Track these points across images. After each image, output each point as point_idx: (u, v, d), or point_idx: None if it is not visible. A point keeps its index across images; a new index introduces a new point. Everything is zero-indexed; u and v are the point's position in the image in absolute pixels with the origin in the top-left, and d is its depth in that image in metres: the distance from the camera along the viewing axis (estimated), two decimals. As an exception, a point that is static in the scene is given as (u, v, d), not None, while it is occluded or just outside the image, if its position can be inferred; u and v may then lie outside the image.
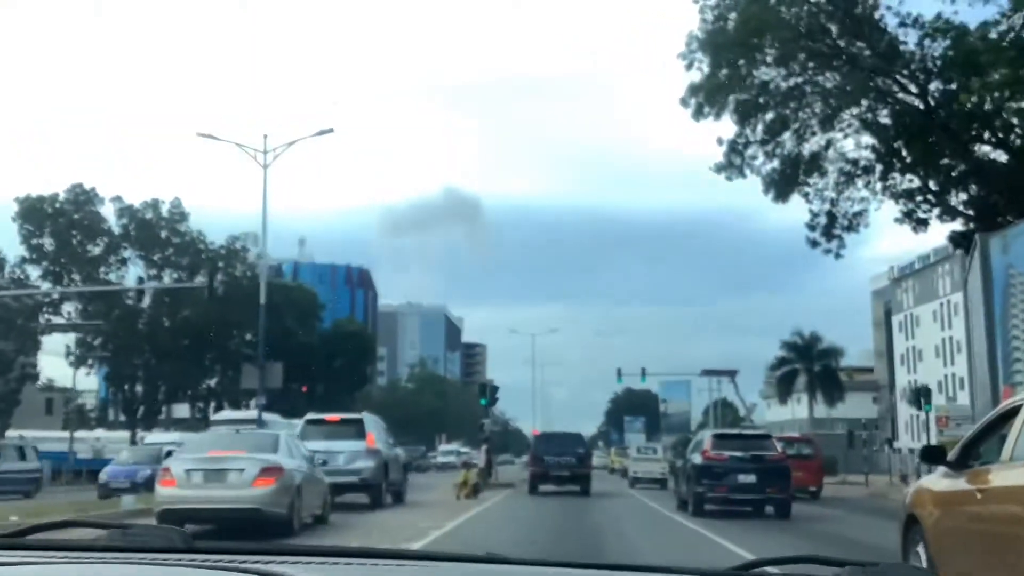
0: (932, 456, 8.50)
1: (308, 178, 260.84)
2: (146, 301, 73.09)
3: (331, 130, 36.34)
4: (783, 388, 74.15)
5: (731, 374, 68.62)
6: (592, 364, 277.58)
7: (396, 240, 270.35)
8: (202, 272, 72.56)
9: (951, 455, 8.05)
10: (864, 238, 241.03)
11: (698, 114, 31.35)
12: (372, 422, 25.82)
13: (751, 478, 21.97)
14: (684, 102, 31.24)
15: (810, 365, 72.46)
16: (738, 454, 22.59)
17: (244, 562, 1.74)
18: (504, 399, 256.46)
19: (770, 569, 1.92)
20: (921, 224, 34.82)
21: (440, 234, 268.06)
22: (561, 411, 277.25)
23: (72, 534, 2.26)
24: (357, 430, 24.44)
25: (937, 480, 8.32)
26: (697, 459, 23.15)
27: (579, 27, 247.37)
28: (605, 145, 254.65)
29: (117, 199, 70.17)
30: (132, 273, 72.14)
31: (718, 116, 31.50)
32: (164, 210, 71.60)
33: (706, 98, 30.93)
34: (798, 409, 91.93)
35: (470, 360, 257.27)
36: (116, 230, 70.35)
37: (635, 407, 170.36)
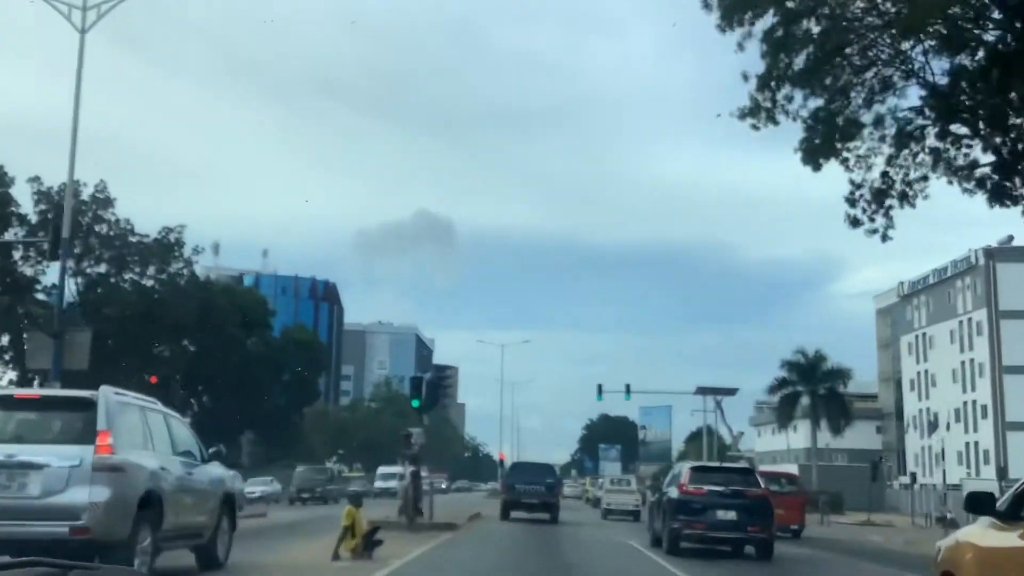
0: (978, 504, 7.10)
1: (277, 192, 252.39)
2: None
3: None
4: (783, 412, 65.76)
5: (730, 392, 60.39)
6: (565, 392, 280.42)
7: (367, 259, 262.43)
8: (133, 264, 63.99)
9: (1001, 503, 6.89)
10: (850, 267, 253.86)
11: (727, 20, 22.88)
12: (122, 407, 11.63)
13: (731, 515, 20.57)
14: (707, 4, 22.89)
15: (814, 387, 64.23)
16: (718, 488, 21.04)
17: None
18: (475, 425, 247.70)
19: None
20: (1005, 197, 25.95)
21: (413, 257, 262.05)
22: (533, 438, 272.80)
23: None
24: (75, 423, 11.13)
25: (983, 533, 7.05)
26: (673, 493, 21.50)
27: (556, 57, 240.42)
28: (581, 174, 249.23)
29: (35, 179, 61.28)
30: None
31: (752, 23, 22.98)
32: (86, 194, 62.69)
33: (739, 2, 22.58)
34: (793, 438, 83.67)
35: (441, 383, 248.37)
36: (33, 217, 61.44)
37: (611, 434, 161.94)
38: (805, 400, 65.04)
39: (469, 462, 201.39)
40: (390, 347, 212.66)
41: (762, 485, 22.23)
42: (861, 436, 71.39)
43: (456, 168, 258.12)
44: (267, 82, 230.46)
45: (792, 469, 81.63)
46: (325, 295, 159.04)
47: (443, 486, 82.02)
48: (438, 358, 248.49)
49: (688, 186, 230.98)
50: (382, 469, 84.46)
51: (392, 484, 73.58)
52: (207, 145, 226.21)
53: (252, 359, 74.40)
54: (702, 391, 59.54)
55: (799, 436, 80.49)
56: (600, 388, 58.26)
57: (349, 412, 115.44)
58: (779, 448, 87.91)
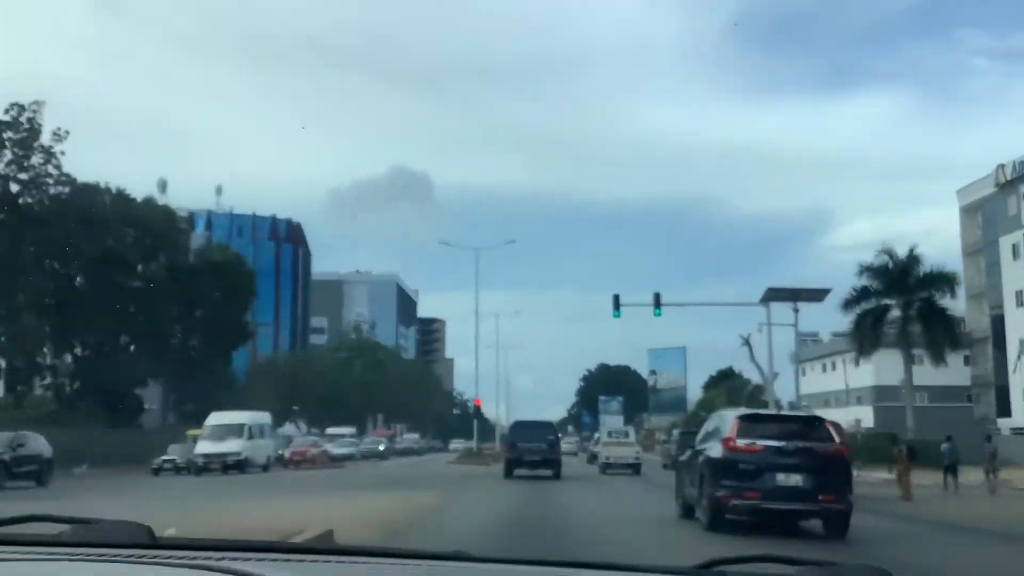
0: None
1: (242, 134, 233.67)
2: None
3: None
4: (865, 334, 47.68)
5: (818, 297, 42.29)
6: (557, 350, 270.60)
7: (343, 217, 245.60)
8: None
9: None
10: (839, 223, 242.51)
11: None
12: None
13: (795, 479, 15.47)
14: None
15: (907, 299, 46.30)
16: (778, 444, 15.72)
17: (208, 558, 1.72)
18: (465, 383, 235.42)
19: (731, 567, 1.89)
20: None
21: (394, 216, 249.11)
22: (527, 397, 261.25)
23: (37, 529, 2.13)
24: None
25: None
26: (715, 450, 16.18)
27: (541, 10, 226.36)
28: (568, 130, 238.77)
29: None
30: None
31: None
32: None
33: None
34: (853, 375, 65.81)
35: (427, 337, 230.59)
36: None
37: (611, 386, 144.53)
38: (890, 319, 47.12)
39: (457, 419, 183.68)
40: (369, 298, 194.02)
41: (836, 438, 16.41)
42: (944, 370, 52.86)
43: (440, 125, 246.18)
44: (244, 37, 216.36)
45: (861, 413, 64.32)
46: (288, 235, 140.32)
47: (380, 447, 65.26)
48: (424, 312, 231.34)
49: (677, 141, 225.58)
50: (332, 430, 66.77)
51: (348, 450, 56.15)
52: (172, 97, 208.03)
53: (153, 290, 56.15)
54: (773, 296, 41.37)
55: (861, 372, 62.87)
56: (617, 300, 40.13)
57: (303, 362, 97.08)
58: (833, 388, 70.61)
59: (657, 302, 39.76)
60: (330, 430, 65.39)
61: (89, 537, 1.93)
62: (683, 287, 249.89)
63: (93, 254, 51.88)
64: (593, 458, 51.21)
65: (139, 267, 57.22)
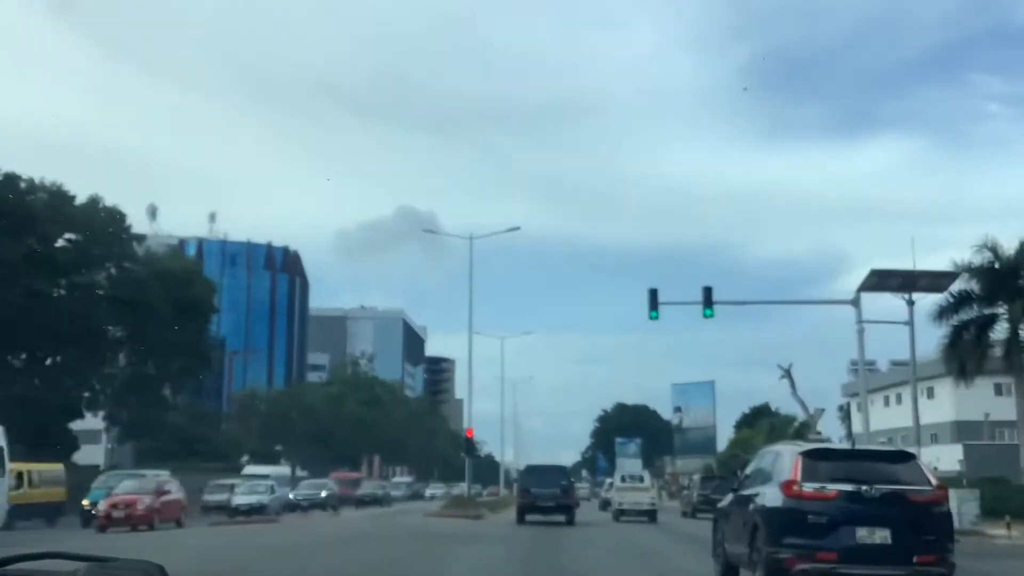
0: None
1: (247, 174, 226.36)
2: None
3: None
4: (965, 350, 37.20)
5: (944, 283, 32.06)
6: (570, 393, 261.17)
7: (348, 258, 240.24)
8: None
9: None
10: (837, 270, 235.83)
11: None
12: None
13: (883, 535, 11.71)
14: None
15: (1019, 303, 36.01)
16: (857, 489, 11.85)
17: None
18: (478, 425, 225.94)
19: None
20: None
21: (404, 259, 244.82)
22: (538, 440, 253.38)
23: (52, 566, 2.15)
24: None
25: None
26: (773, 497, 12.39)
27: (556, 54, 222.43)
28: (582, 173, 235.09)
29: None
30: None
31: None
32: None
33: None
34: (900, 412, 55.36)
35: (436, 376, 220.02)
36: None
37: (629, 427, 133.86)
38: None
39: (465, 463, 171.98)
40: (374, 334, 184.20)
41: (932, 480, 12.40)
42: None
43: (450, 168, 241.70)
44: (255, 80, 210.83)
45: (940, 453, 53.91)
46: (285, 265, 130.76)
47: (323, 494, 50.17)
48: (432, 352, 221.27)
49: (690, 185, 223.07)
50: (250, 469, 54.40)
51: (254, 499, 43.85)
52: (179, 138, 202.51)
53: (90, 302, 46.37)
54: (879, 282, 31.07)
55: (936, 406, 52.58)
56: (654, 297, 30.38)
57: (289, 396, 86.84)
58: (899, 425, 59.96)
59: (708, 300, 29.88)
60: (249, 469, 52.77)
61: (101, 575, 1.93)
62: (695, 330, 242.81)
63: (9, 256, 42.30)
64: (606, 504, 48.48)
65: (73, 276, 47.53)
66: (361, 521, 35.13)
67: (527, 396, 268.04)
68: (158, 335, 49.95)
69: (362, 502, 55.53)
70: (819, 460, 12.41)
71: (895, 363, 67.95)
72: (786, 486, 12.11)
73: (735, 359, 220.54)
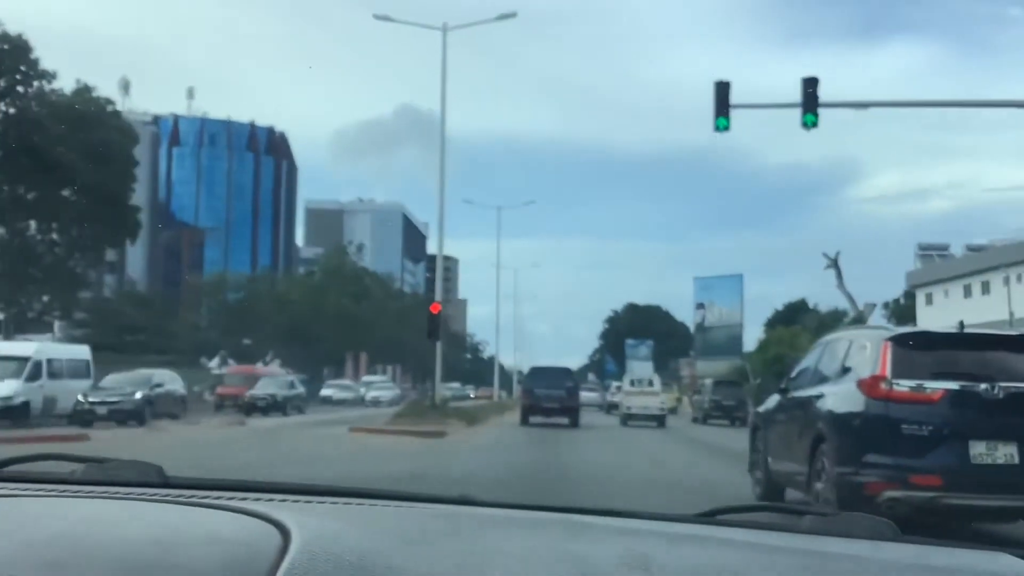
0: None
1: (241, 66, 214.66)
2: None
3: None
4: None
5: None
6: (576, 298, 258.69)
7: (347, 157, 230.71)
8: None
9: None
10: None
11: None
12: None
13: (1008, 451, 8.48)
14: None
15: None
16: (971, 387, 8.61)
17: (219, 498, 1.74)
18: (480, 330, 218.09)
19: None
20: None
21: (409, 158, 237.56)
22: (545, 345, 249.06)
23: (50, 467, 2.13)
24: None
25: None
26: (849, 399, 9.13)
27: None
28: (595, 77, 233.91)
29: None
30: None
31: None
32: None
33: None
34: (986, 303, 44.77)
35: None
36: None
37: (639, 328, 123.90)
38: None
39: (469, 364, 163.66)
40: (372, 228, 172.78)
41: None
42: None
43: (457, 67, 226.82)
44: None
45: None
46: (269, 147, 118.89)
47: (137, 395, 30.39)
48: (435, 248, 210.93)
49: (702, 89, 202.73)
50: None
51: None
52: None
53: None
54: None
55: (984, 302, 41.88)
56: (724, 94, 18.85)
57: (259, 284, 76.01)
58: (987, 319, 49.12)
59: (810, 101, 18.71)
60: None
61: (100, 476, 1.93)
62: (705, 238, 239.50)
63: None
64: (612, 408, 48.15)
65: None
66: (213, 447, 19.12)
67: (532, 300, 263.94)
68: (57, 194, 38.95)
69: (253, 407, 37.52)
70: (915, 349, 9.04)
71: (972, 248, 56.85)
72: (868, 384, 8.83)
73: (755, 266, 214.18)
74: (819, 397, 9.78)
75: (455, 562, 1.39)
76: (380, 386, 64.15)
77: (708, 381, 47.67)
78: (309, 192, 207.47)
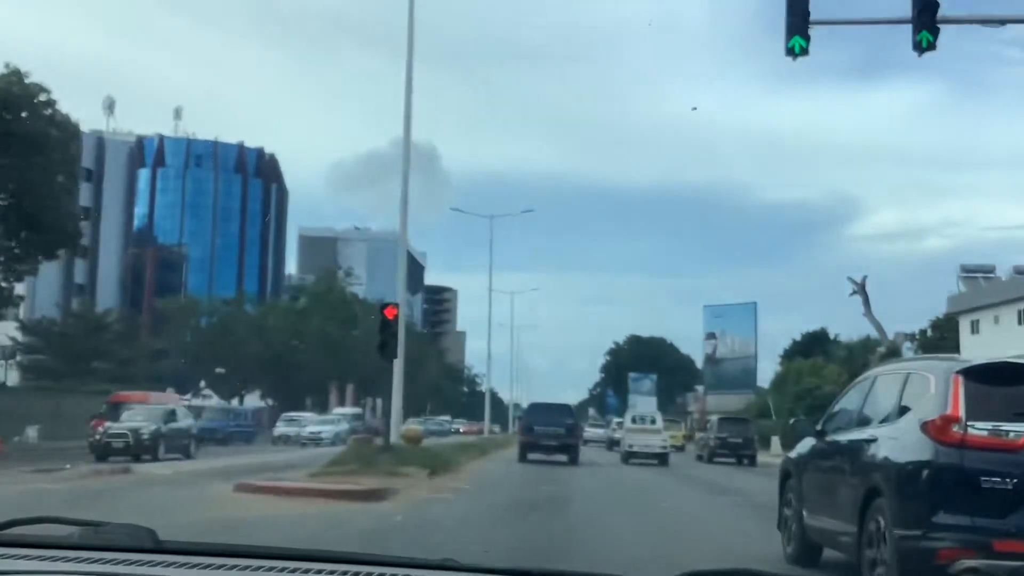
0: None
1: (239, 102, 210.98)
2: None
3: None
4: None
5: None
6: (575, 334, 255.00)
7: (344, 188, 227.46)
8: None
9: None
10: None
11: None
12: None
13: None
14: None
15: None
16: None
17: (209, 566, 1.76)
18: (480, 364, 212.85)
19: None
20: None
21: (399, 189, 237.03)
22: (543, 379, 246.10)
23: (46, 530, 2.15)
24: None
25: None
26: (912, 443, 7.69)
27: None
28: (591, 112, 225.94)
29: None
30: None
31: None
32: None
33: None
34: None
35: (436, 307, 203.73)
36: None
37: (642, 361, 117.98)
38: None
39: (465, 398, 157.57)
40: (367, 257, 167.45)
41: None
42: None
43: (453, 101, 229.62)
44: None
45: None
46: (259, 169, 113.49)
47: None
48: (433, 280, 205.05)
49: (701, 125, 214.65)
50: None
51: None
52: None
53: None
54: None
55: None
56: (799, 8, 13.14)
57: (235, 308, 70.09)
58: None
59: (927, 16, 13.14)
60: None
61: (96, 541, 1.96)
62: (702, 274, 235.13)
63: None
64: (613, 444, 48.29)
65: None
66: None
67: (531, 331, 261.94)
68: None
69: (108, 448, 28.51)
70: (992, 384, 7.68)
71: (1020, 270, 51.09)
72: (937, 427, 7.43)
73: (761, 300, 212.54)
74: (871, 442, 8.65)
75: None
76: (322, 421, 53.45)
77: (714, 417, 46.31)
78: (303, 221, 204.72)
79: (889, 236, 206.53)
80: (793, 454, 10.96)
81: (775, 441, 44.84)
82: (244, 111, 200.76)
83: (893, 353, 50.81)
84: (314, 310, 76.54)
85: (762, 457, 38.97)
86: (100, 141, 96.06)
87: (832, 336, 67.34)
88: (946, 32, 13.60)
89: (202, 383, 58.90)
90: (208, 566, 1.72)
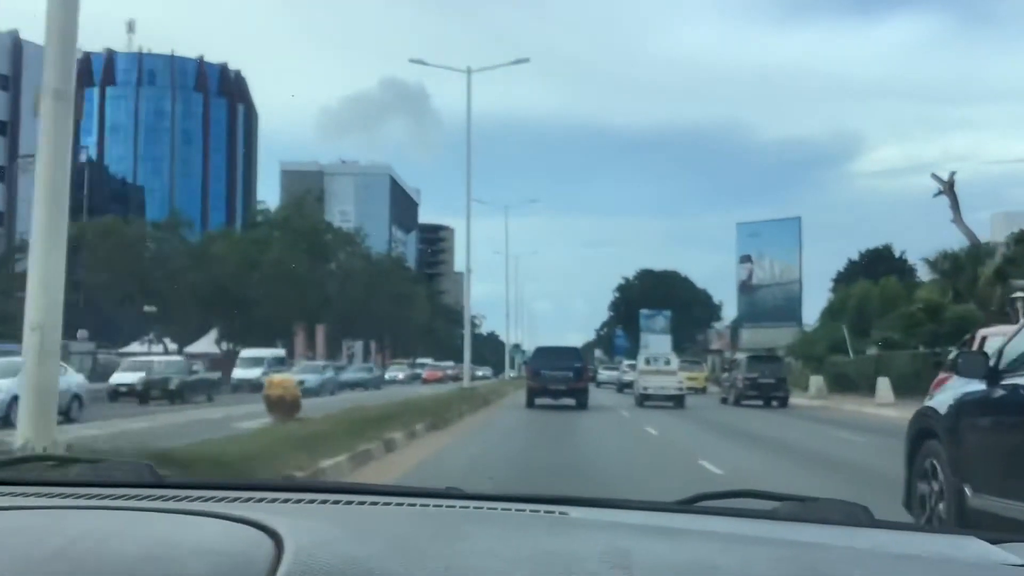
0: None
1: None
2: None
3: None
4: None
5: None
6: (579, 276, 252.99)
7: (341, 131, 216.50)
8: None
9: None
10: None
11: None
12: None
13: None
14: None
15: None
16: None
17: (211, 499, 1.79)
18: (481, 307, 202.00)
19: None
20: None
21: (404, 132, 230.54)
22: (547, 321, 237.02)
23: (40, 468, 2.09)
24: None
25: None
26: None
27: None
28: (593, 51, 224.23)
29: None
30: None
31: None
32: None
33: None
34: None
35: (432, 247, 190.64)
36: None
37: (654, 297, 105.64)
38: None
39: (462, 340, 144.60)
40: (355, 192, 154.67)
41: None
42: None
43: (448, 40, 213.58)
44: None
45: None
46: (223, 87, 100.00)
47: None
48: (427, 217, 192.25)
49: (703, 64, 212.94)
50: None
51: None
52: None
53: None
54: None
55: None
56: None
57: (169, 235, 57.22)
58: None
59: None
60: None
61: (94, 478, 1.98)
62: (705, 213, 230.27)
63: None
64: (623, 387, 48.22)
65: None
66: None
67: (534, 277, 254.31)
68: None
69: None
70: None
71: None
72: None
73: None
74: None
75: (445, 564, 1.43)
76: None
77: (742, 356, 44.06)
78: (284, 156, 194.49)
79: (894, 172, 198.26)
80: (937, 403, 7.60)
81: (814, 381, 41.95)
82: (213, 32, 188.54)
83: (1012, 264, 38.58)
84: (277, 240, 63.97)
85: (795, 399, 37.40)
86: (16, 42, 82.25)
87: (899, 254, 54.90)
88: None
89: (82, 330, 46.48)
90: (210, 499, 1.72)
